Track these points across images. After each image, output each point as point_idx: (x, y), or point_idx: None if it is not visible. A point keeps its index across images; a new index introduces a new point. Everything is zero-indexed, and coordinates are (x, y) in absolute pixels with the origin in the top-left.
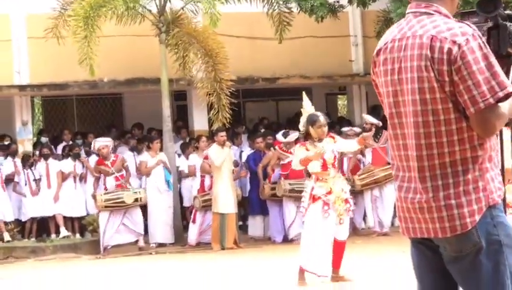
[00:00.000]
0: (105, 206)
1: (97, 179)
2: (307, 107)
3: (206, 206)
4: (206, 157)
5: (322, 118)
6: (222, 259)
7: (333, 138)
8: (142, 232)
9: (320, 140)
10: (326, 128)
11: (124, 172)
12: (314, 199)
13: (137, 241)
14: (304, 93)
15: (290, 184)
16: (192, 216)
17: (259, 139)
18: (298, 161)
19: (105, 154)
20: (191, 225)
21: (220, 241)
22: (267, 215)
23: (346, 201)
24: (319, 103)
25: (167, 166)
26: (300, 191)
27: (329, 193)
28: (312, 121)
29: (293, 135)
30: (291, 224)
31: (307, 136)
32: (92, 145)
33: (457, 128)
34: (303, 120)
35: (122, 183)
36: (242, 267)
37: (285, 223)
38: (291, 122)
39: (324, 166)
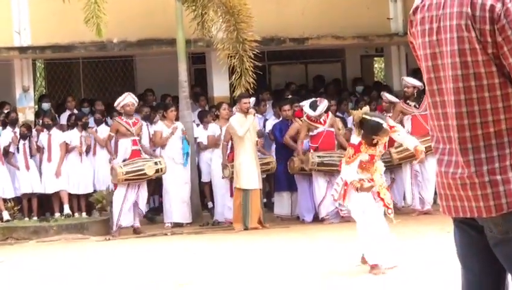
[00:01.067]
0: (125, 179)
1: (115, 146)
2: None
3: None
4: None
5: (385, 125)
6: (245, 240)
7: (391, 127)
8: (143, 212)
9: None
10: (388, 136)
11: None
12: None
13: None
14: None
15: (319, 157)
16: (229, 188)
17: (287, 107)
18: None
19: (131, 113)
20: (228, 199)
21: (242, 221)
22: (295, 192)
23: (388, 189)
24: (353, 66)
25: (186, 135)
26: (331, 165)
27: (371, 180)
28: (377, 130)
29: (323, 106)
30: (322, 201)
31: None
32: (120, 99)
33: (503, 95)
34: (357, 121)
35: (140, 149)
36: (267, 249)
37: (315, 200)
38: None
39: (371, 159)
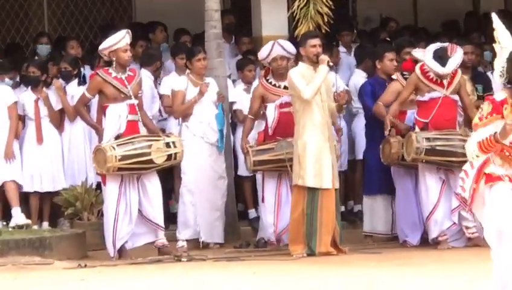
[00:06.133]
0: (120, 168)
1: (99, 116)
2: (502, 36)
3: (265, 169)
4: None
5: None
6: (309, 274)
7: None
8: (163, 225)
9: None
10: None
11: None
12: (491, 178)
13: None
14: (494, 15)
15: (427, 139)
16: (261, 188)
17: (390, 55)
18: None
19: (126, 63)
20: (261, 206)
21: (305, 241)
22: (394, 196)
23: None
24: None
25: (222, 100)
26: (448, 154)
27: None
28: None
29: (457, 58)
30: (433, 211)
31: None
32: (114, 40)
33: None
34: (501, 59)
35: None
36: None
37: (423, 210)
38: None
39: None
